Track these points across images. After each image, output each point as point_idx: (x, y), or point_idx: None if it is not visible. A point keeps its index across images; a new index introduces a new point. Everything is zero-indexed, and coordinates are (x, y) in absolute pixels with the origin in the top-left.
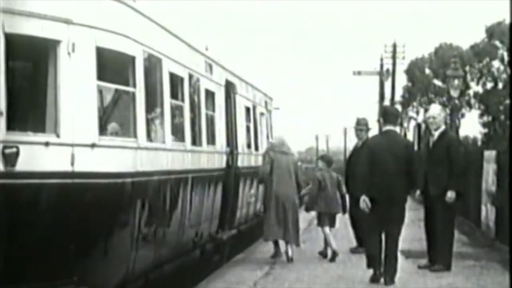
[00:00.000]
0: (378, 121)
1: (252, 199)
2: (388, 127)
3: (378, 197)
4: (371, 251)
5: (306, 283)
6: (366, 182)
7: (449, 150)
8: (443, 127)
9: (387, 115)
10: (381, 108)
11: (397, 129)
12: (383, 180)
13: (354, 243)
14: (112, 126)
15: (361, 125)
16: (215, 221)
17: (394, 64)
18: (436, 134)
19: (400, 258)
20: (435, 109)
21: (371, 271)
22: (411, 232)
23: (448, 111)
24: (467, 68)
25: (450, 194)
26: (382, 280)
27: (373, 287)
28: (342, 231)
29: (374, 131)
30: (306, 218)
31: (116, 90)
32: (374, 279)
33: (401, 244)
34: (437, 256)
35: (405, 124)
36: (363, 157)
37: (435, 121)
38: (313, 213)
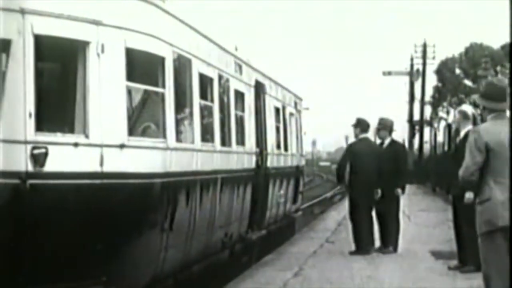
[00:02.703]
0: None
1: (282, 200)
2: (364, 135)
3: (363, 190)
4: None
5: (336, 283)
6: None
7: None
8: (469, 127)
9: (363, 126)
10: (410, 110)
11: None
12: (364, 176)
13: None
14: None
15: (380, 125)
16: (245, 221)
17: (424, 64)
18: (462, 133)
19: (430, 259)
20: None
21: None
22: (441, 233)
23: (478, 111)
24: (498, 68)
25: (468, 195)
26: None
27: None
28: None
29: (403, 131)
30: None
31: (146, 91)
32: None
33: (431, 245)
34: (467, 257)
35: (435, 125)
36: (344, 159)
37: (454, 121)
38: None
